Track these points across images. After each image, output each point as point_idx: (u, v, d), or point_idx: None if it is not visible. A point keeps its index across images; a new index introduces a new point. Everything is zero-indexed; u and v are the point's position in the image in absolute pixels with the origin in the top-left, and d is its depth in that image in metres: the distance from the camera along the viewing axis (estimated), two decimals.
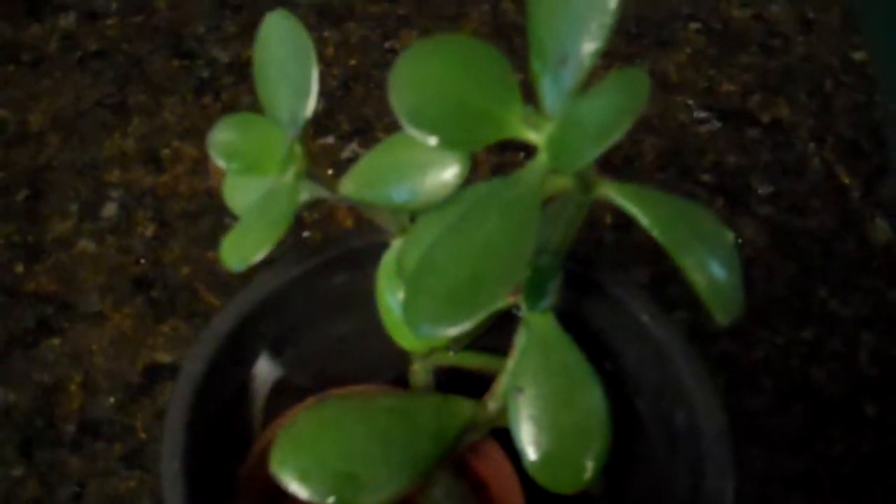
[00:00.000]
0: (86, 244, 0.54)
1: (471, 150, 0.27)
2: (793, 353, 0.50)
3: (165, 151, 0.57)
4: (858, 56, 0.62)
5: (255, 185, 0.31)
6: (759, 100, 0.60)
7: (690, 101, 0.60)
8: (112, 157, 0.57)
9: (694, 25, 0.64)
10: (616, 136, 0.22)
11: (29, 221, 0.55)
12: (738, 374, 0.49)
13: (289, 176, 0.29)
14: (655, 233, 0.28)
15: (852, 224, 0.55)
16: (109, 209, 0.55)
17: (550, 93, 0.25)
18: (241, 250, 0.29)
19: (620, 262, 0.53)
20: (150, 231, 0.54)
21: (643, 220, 0.28)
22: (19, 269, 0.53)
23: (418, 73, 0.25)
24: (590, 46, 0.24)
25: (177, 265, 0.53)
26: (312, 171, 0.30)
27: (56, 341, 0.50)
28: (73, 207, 0.55)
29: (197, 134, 0.58)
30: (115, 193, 0.56)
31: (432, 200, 0.29)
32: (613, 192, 0.28)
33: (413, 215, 0.31)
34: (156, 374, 0.49)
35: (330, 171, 0.57)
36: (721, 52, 0.62)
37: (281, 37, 0.29)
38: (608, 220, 0.54)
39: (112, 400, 0.49)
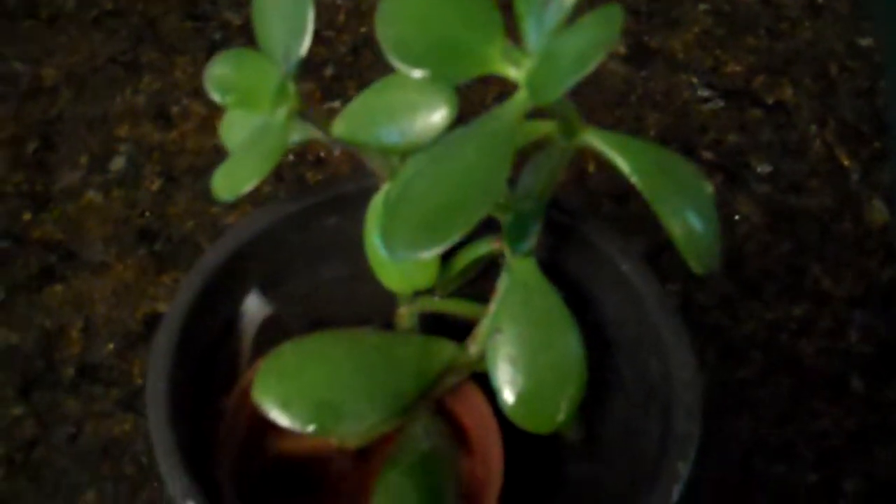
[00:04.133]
0: (93, 195, 0.55)
1: (454, 83, 0.27)
2: (783, 328, 0.51)
3: (175, 109, 0.58)
4: (865, 42, 0.63)
5: (251, 123, 0.32)
6: (763, 81, 0.60)
7: (695, 80, 0.60)
8: (122, 113, 0.58)
9: (703, 6, 0.64)
10: (590, 67, 0.22)
11: (38, 171, 0.56)
12: (728, 346, 0.50)
13: (281, 113, 0.30)
14: (634, 179, 0.29)
15: (849, 205, 0.55)
16: (118, 163, 0.56)
17: (533, 32, 0.26)
18: (232, 181, 0.29)
19: (618, 232, 0.53)
20: (156, 185, 0.55)
21: (624, 166, 0.29)
22: (27, 216, 0.54)
23: (404, 8, 0.26)
24: None
25: (181, 219, 0.54)
26: (305, 111, 0.31)
27: (59, 288, 0.51)
28: (83, 159, 0.56)
29: (206, 93, 0.59)
30: (123, 147, 0.57)
31: (421, 141, 0.30)
32: (595, 139, 0.29)
33: (403, 159, 0.32)
34: (155, 324, 0.50)
35: None
36: (728, 33, 0.63)
37: None
38: (609, 190, 0.55)
39: (111, 346, 0.50)
